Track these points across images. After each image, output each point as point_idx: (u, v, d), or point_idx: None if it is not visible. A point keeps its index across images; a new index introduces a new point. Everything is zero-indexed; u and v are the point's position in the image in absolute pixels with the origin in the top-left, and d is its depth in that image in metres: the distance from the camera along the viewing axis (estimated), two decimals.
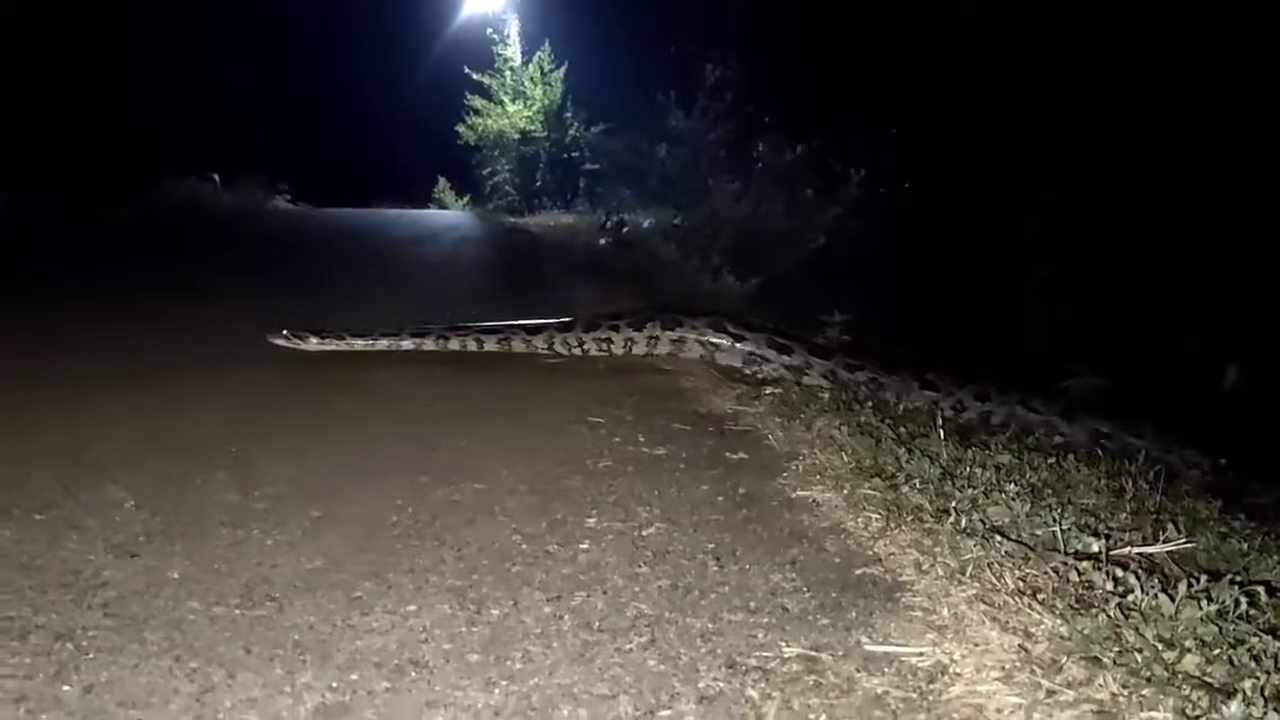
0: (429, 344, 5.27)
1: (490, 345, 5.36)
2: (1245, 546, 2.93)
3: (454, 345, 5.31)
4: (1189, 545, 2.63)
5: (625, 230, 12.43)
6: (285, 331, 5.13)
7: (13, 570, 2.28)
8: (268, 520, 2.68)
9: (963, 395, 5.00)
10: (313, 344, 5.13)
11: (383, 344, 5.26)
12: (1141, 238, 9.94)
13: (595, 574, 2.37)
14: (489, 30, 24.47)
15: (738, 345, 5.24)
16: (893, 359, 5.38)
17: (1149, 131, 10.32)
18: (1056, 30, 11.42)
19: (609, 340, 5.38)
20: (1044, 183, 10.51)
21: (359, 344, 5.23)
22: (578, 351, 5.37)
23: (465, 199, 27.74)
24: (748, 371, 5.18)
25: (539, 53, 24.12)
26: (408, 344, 5.26)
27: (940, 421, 3.73)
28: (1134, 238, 10.02)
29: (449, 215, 24.42)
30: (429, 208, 28.04)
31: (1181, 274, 9.32)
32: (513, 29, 24.47)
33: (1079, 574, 2.26)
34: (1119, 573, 2.21)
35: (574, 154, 23.62)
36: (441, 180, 28.84)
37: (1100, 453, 4.03)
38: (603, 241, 12.72)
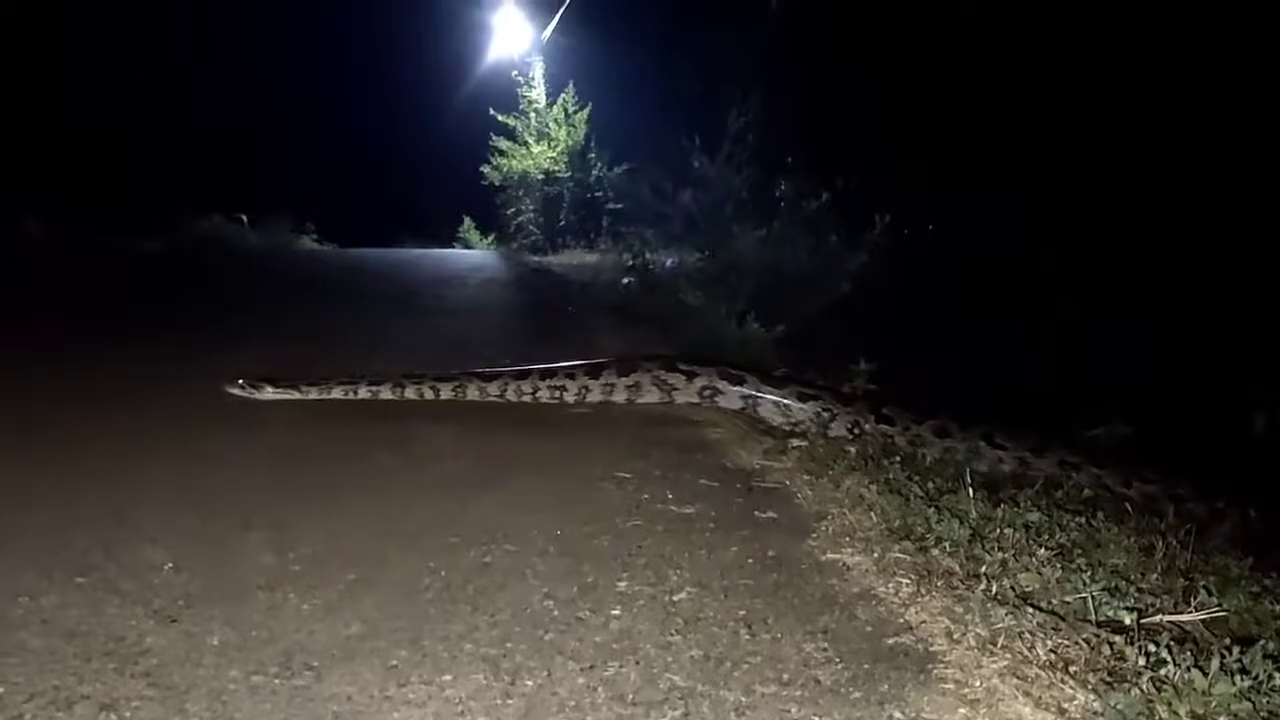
0: (385, 393, 5.35)
1: (445, 393, 5.41)
2: (1277, 608, 2.92)
3: (410, 394, 5.38)
4: (1221, 613, 2.62)
5: (650, 269, 12.49)
6: (241, 381, 5.21)
7: (58, 637, 2.33)
8: (304, 583, 2.72)
9: (922, 430, 5.05)
10: (268, 394, 5.21)
11: (337, 393, 5.32)
12: (1167, 270, 9.90)
13: (628, 643, 2.39)
14: (514, 73, 24.76)
15: (693, 381, 5.42)
16: (853, 394, 5.55)
17: (1170, 157, 10.31)
18: (1070, 47, 11.46)
19: (563, 388, 5.47)
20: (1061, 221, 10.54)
21: (313, 393, 5.29)
22: (529, 399, 5.45)
23: (490, 238, 28.01)
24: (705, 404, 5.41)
25: (563, 94, 24.37)
26: (365, 393, 5.33)
27: (969, 478, 3.73)
28: (1158, 270, 9.99)
29: (474, 255, 24.64)
30: (454, 247, 28.33)
31: (1206, 311, 9.27)
32: (537, 71, 24.74)
33: (1111, 647, 2.26)
34: (1151, 646, 2.21)
35: (597, 194, 23.80)
36: (466, 220, 29.17)
37: (1130, 508, 4.01)
38: (626, 281, 12.77)
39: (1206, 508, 4.78)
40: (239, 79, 28.66)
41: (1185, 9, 10.59)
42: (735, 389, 5.38)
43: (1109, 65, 11.16)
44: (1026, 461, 4.96)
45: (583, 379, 5.47)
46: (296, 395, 5.25)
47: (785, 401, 5.29)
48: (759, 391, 5.34)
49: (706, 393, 5.40)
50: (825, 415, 5.16)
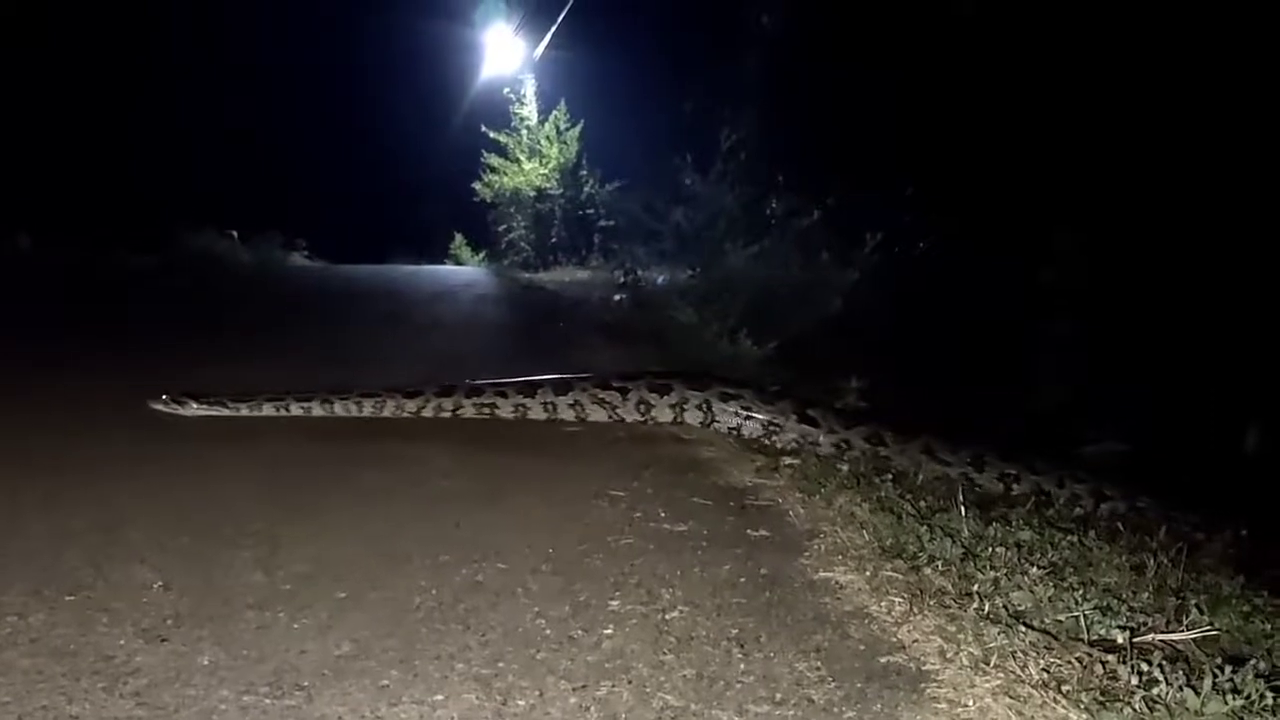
0: (316, 409, 5.31)
1: (368, 409, 5.38)
2: (1269, 627, 2.93)
3: (338, 410, 5.34)
4: (1212, 632, 2.62)
5: (641, 286, 12.51)
6: (165, 397, 5.15)
7: (46, 656, 2.31)
8: (294, 602, 2.70)
9: (850, 435, 5.13)
10: (193, 410, 5.16)
11: (268, 409, 5.28)
12: (1160, 288, 9.91)
13: (620, 662, 2.38)
14: (506, 90, 24.83)
15: (628, 396, 5.47)
16: (777, 395, 5.59)
17: (1167, 172, 10.31)
18: (1071, 64, 11.46)
19: (493, 405, 5.46)
20: (1057, 235, 10.54)
21: (243, 409, 5.25)
22: (447, 415, 5.42)
23: (481, 255, 28.02)
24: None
25: (555, 111, 24.47)
26: (296, 409, 5.29)
27: (961, 495, 3.74)
28: (1152, 287, 10.00)
29: (465, 271, 24.65)
30: (445, 263, 28.33)
31: (1201, 326, 9.29)
32: (529, 89, 24.83)
33: (1104, 666, 2.26)
34: (1143, 665, 2.21)
35: (589, 211, 23.89)
36: (458, 236, 29.17)
37: (1121, 526, 4.02)
38: (618, 298, 12.79)
39: (1127, 504, 4.87)
40: (233, 98, 28.77)
41: (1185, 15, 10.63)
42: (664, 399, 5.44)
43: (1109, 72, 11.19)
44: (968, 476, 5.01)
45: (515, 397, 5.48)
46: (226, 411, 5.20)
47: (708, 401, 5.38)
48: (684, 397, 5.41)
49: (641, 407, 5.46)
50: (742, 414, 5.30)
